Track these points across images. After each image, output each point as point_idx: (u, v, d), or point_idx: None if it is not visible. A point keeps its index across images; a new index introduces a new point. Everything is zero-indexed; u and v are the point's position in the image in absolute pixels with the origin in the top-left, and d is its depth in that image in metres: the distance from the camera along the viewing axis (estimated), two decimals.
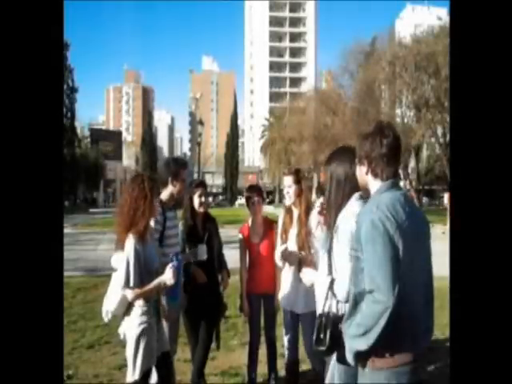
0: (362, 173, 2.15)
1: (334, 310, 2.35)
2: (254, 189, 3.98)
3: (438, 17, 28.48)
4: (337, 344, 2.29)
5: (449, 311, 1.98)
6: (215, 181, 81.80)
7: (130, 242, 2.70)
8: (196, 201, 3.65)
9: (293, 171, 3.50)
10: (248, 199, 3.87)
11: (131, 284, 2.67)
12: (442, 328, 5.58)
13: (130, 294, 2.69)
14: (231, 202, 58.24)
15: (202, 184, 3.81)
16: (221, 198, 67.62)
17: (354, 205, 2.36)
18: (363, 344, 1.92)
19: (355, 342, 1.95)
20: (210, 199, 50.80)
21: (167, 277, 2.73)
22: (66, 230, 18.12)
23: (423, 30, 27.37)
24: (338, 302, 2.33)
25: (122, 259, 2.69)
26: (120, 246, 2.77)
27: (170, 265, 2.77)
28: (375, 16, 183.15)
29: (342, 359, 2.37)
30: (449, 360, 1.96)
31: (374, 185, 2.09)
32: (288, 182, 3.44)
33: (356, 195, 2.40)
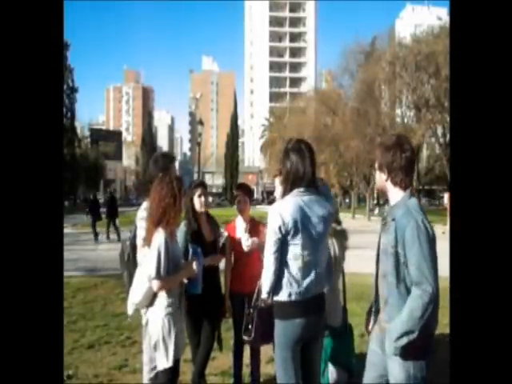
0: (381, 179, 2.44)
1: (262, 302, 2.63)
2: (243, 188, 3.96)
3: (438, 17, 28.49)
4: (260, 335, 2.65)
5: (449, 311, 1.98)
6: (215, 181, 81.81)
7: (161, 235, 2.81)
8: (196, 201, 3.64)
9: (278, 173, 3.57)
10: (236, 197, 3.87)
11: (161, 274, 2.78)
12: (442, 328, 5.59)
13: (156, 284, 2.78)
14: (231, 202, 58.28)
15: (201, 184, 3.80)
16: (221, 198, 67.60)
17: (284, 201, 2.60)
18: (412, 336, 2.19)
19: (404, 338, 2.20)
20: (211, 199, 50.41)
21: (192, 268, 2.96)
22: (65, 230, 18.14)
23: (423, 30, 27.37)
24: (266, 294, 2.59)
25: (153, 251, 2.79)
26: (147, 243, 2.88)
27: (194, 257, 3.02)
28: (375, 16, 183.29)
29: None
30: (449, 359, 1.96)
31: (394, 192, 2.40)
32: (276, 182, 3.50)
33: (294, 192, 2.60)
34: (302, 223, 2.54)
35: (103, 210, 17.45)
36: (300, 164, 2.60)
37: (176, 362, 2.90)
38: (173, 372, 2.90)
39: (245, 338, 2.76)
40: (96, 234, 16.36)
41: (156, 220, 2.85)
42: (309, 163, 2.61)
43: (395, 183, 2.38)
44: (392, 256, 2.28)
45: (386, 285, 2.35)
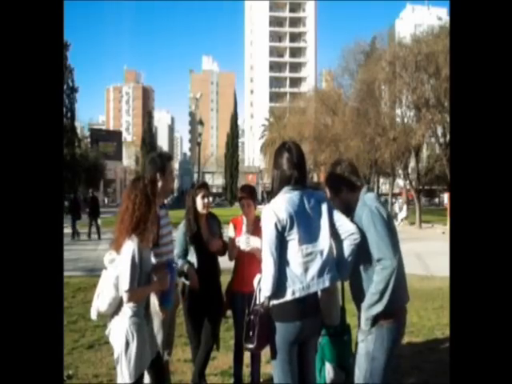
0: (346, 195, 2.81)
1: (262, 307, 2.55)
2: (246, 190, 3.93)
3: (438, 17, 28.48)
4: (264, 341, 2.55)
5: (449, 311, 1.98)
6: (215, 181, 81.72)
7: (135, 243, 2.64)
8: (199, 202, 3.64)
9: None
10: (240, 200, 3.86)
11: (135, 286, 2.62)
12: (442, 328, 5.59)
13: (128, 296, 2.62)
14: (231, 202, 58.24)
15: (204, 185, 3.79)
16: (221, 198, 67.66)
17: (276, 199, 2.61)
18: (380, 307, 2.49)
19: (373, 308, 2.52)
20: (210, 199, 50.27)
21: (165, 282, 2.84)
22: (66, 230, 18.12)
23: (423, 30, 27.33)
24: (266, 297, 2.53)
25: (125, 260, 2.62)
26: (115, 247, 2.72)
27: (167, 271, 2.88)
28: (375, 16, 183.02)
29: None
30: (449, 359, 1.95)
31: (355, 195, 2.78)
32: None
33: (283, 190, 2.62)
34: (297, 216, 2.54)
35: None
36: (287, 165, 2.63)
37: (139, 377, 2.70)
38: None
39: (248, 346, 2.61)
40: (73, 233, 16.98)
41: (129, 229, 2.67)
42: (296, 165, 2.64)
43: (354, 189, 2.80)
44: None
45: (354, 273, 2.66)
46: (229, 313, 4.04)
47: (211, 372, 4.10)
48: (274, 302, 2.53)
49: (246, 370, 3.99)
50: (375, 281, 2.52)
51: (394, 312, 2.58)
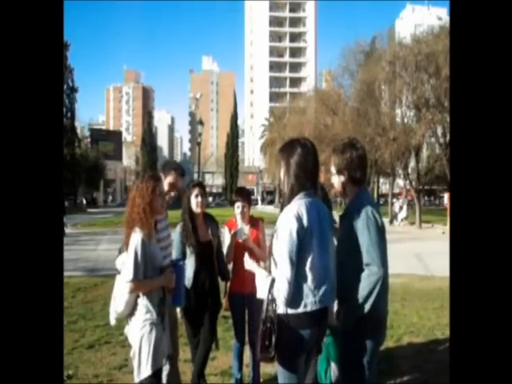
0: (340, 181, 2.69)
1: (276, 313, 2.38)
2: (241, 193, 3.91)
3: (438, 17, 28.47)
4: (282, 349, 2.38)
5: (449, 311, 1.98)
6: (215, 181, 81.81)
7: (137, 235, 2.71)
8: (193, 201, 3.63)
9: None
10: (235, 203, 3.85)
11: (139, 276, 2.66)
12: (442, 328, 5.59)
13: (130, 286, 2.65)
14: (231, 203, 58.18)
15: (198, 184, 3.79)
16: (221, 198, 67.72)
17: (294, 205, 2.43)
18: (361, 312, 2.46)
19: (356, 311, 2.47)
20: (210, 199, 50.71)
21: (169, 279, 2.83)
22: (66, 230, 18.15)
23: (423, 30, 27.37)
24: (280, 303, 2.38)
25: (130, 252, 2.68)
26: (126, 247, 2.76)
27: (172, 269, 2.89)
28: (375, 16, 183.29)
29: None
30: (448, 359, 1.96)
31: (352, 188, 2.68)
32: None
33: (302, 194, 2.45)
34: (313, 225, 2.38)
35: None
36: (304, 168, 2.44)
37: (157, 371, 2.77)
38: (156, 379, 2.77)
39: (267, 355, 2.38)
40: None
41: (130, 221, 2.74)
42: (313, 167, 2.48)
43: (354, 181, 2.67)
44: (345, 244, 2.58)
45: (344, 271, 2.58)
46: (228, 313, 4.04)
47: (211, 372, 4.10)
48: (289, 312, 2.39)
49: (246, 370, 4.00)
50: (360, 286, 2.47)
51: (374, 319, 2.52)
